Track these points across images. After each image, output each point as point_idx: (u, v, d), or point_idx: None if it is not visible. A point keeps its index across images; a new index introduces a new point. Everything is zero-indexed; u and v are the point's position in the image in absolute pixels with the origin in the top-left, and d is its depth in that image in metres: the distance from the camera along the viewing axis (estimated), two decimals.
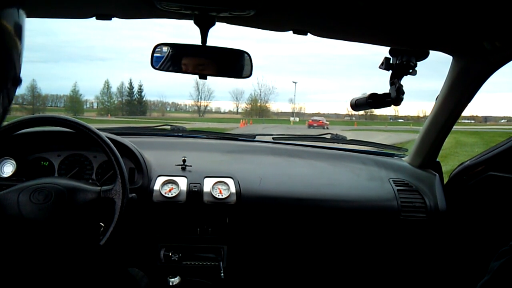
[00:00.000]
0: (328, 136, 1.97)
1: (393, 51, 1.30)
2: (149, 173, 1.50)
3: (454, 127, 1.63)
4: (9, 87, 0.44)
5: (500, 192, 1.51)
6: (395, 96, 1.31)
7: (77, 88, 47.85)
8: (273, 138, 1.98)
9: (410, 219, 1.60)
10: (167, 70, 1.21)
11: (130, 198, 1.25)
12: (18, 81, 0.46)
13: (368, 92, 1.37)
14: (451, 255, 1.69)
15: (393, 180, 1.71)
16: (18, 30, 0.43)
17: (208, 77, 1.21)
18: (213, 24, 1.11)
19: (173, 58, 1.22)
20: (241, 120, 31.50)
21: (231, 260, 1.56)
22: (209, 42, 1.14)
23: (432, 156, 1.74)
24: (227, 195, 1.50)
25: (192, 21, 1.10)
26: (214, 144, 1.84)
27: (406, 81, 1.32)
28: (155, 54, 1.21)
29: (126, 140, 1.52)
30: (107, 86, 50.11)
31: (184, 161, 1.56)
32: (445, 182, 1.72)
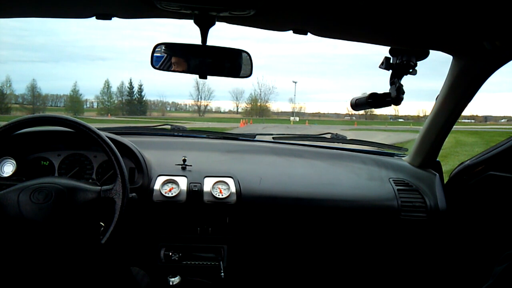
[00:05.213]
0: (328, 136, 1.97)
1: (393, 50, 1.30)
2: (149, 172, 1.50)
3: (454, 126, 1.63)
4: None
5: (500, 191, 1.51)
6: (395, 96, 1.31)
7: (77, 87, 47.80)
8: (273, 138, 1.98)
9: (410, 219, 1.60)
10: (167, 70, 1.21)
11: (130, 197, 1.25)
12: None
13: (368, 92, 1.38)
14: (451, 255, 1.69)
15: (393, 180, 1.71)
16: None
17: (208, 76, 1.21)
18: (213, 24, 1.11)
19: (173, 58, 1.22)
20: (241, 120, 31.45)
21: (231, 260, 1.56)
22: (209, 42, 1.14)
23: (432, 155, 1.74)
24: (227, 194, 1.50)
25: (192, 21, 1.10)
26: (214, 144, 1.84)
27: (406, 81, 1.32)
28: (155, 54, 1.21)
29: (126, 140, 1.52)
30: (107, 85, 50.02)
31: (184, 160, 1.57)
32: (445, 181, 1.72)
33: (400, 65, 1.29)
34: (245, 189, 1.54)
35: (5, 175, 1.45)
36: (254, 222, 1.59)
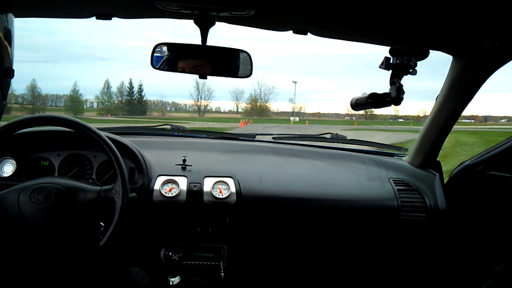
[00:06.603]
0: (328, 136, 1.97)
1: (393, 50, 1.30)
2: (149, 172, 1.50)
3: (454, 126, 1.63)
4: (2, 80, 0.45)
5: (500, 191, 1.51)
6: (395, 96, 1.32)
7: (77, 87, 47.79)
8: (273, 138, 1.98)
9: (410, 219, 1.60)
10: (167, 70, 1.21)
11: (130, 197, 1.24)
12: (10, 73, 0.47)
13: (368, 92, 1.38)
14: (451, 255, 1.69)
15: (393, 180, 1.71)
16: (8, 34, 0.43)
17: (208, 76, 1.21)
18: (213, 24, 1.11)
19: (173, 58, 1.22)
20: (241, 120, 31.43)
21: (231, 260, 1.56)
22: (209, 42, 1.14)
23: (432, 155, 1.74)
24: (227, 194, 1.50)
25: (192, 21, 1.10)
26: (214, 144, 1.84)
27: (406, 81, 1.32)
28: (155, 54, 1.21)
29: (126, 140, 1.52)
30: (107, 85, 49.98)
31: (184, 160, 1.57)
32: (445, 181, 1.72)
33: (400, 65, 1.29)
34: (245, 189, 1.54)
35: (5, 175, 1.45)
36: (254, 222, 1.59)
